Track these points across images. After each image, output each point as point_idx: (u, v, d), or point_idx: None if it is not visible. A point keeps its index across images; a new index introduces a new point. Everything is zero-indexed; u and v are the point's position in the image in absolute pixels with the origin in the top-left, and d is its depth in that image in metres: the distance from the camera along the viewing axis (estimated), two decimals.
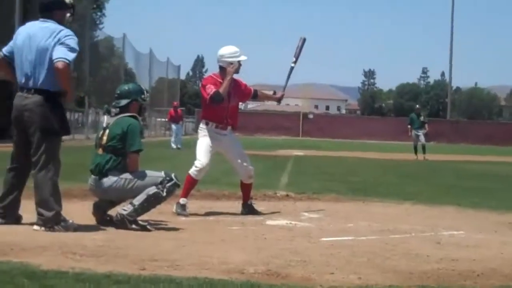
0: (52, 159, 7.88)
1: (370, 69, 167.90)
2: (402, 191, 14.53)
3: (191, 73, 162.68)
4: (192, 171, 9.84)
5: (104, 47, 60.07)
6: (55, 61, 7.75)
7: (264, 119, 78.63)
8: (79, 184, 10.87)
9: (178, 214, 9.57)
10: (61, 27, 7.96)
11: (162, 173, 8.37)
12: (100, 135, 8.63)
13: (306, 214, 10.41)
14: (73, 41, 7.93)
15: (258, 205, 10.55)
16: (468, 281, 6.13)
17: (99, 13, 69.13)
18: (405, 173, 21.45)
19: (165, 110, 62.23)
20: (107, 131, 8.53)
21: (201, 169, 9.82)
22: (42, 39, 7.88)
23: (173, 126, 37.01)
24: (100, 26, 66.93)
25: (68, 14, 8.25)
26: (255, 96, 10.57)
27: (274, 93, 11.10)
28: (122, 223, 8.08)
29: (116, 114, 8.61)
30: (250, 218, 9.74)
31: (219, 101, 9.75)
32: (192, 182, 9.87)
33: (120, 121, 8.50)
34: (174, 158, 17.87)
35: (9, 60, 8.12)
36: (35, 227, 7.73)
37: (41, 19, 8.09)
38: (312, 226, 9.18)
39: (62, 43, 7.83)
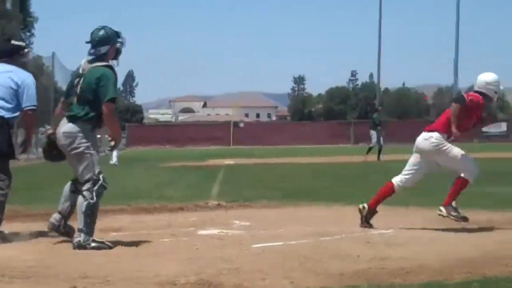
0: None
1: (300, 75, 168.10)
2: (333, 194, 14.66)
3: (121, 88, 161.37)
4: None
5: (33, 67, 59.11)
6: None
7: (194, 130, 78.22)
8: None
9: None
10: None
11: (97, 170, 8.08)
12: (75, 83, 8.24)
13: (237, 222, 10.44)
14: None
15: (189, 216, 10.59)
16: (398, 278, 6.25)
17: (28, 33, 68.34)
18: (336, 176, 21.63)
19: None
20: (81, 80, 8.16)
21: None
22: None
23: None
24: (30, 46, 66.19)
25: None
26: None
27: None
28: (82, 248, 7.86)
29: (90, 62, 8.21)
30: (181, 229, 9.72)
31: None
32: None
33: (95, 70, 8.11)
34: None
35: None
36: None
37: None
38: (243, 234, 9.20)
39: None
